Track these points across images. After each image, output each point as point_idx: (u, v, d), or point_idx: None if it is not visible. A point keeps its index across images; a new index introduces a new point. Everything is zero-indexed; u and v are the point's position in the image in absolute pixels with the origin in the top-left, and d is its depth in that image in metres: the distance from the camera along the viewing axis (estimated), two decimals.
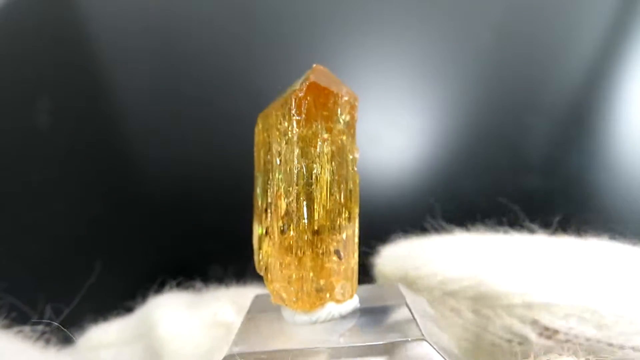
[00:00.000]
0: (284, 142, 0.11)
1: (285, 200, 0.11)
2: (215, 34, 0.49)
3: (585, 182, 0.33)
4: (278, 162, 0.12)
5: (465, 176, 0.33)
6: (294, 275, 0.11)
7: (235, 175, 0.22)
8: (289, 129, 0.11)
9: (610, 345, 0.11)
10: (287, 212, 0.11)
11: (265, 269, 0.12)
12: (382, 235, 0.17)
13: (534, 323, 0.12)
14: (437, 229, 0.16)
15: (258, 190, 0.12)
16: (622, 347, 0.11)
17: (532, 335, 0.12)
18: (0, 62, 0.45)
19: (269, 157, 0.12)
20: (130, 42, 0.48)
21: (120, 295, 0.18)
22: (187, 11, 0.52)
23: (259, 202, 0.12)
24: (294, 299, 0.12)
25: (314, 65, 0.13)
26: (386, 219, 0.28)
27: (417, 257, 0.14)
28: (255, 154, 0.13)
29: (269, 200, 0.12)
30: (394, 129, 0.38)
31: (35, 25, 0.50)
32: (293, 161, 0.11)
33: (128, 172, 0.35)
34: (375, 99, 0.41)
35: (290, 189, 0.11)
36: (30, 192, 0.33)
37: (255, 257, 0.12)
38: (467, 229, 0.15)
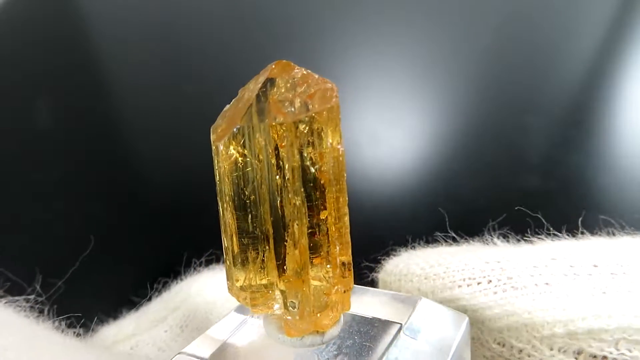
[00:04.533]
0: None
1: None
2: (216, 33, 0.49)
3: (585, 183, 0.33)
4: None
5: (465, 176, 0.33)
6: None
7: None
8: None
9: None
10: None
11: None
12: (383, 243, 0.16)
13: (580, 353, 0.11)
14: (447, 240, 0.15)
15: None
16: None
17: None
18: (0, 62, 0.45)
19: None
20: (130, 42, 0.48)
21: (124, 293, 0.18)
22: (188, 11, 0.52)
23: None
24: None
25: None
26: (388, 224, 0.28)
27: (433, 281, 0.13)
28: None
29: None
30: (394, 129, 0.38)
31: (35, 25, 0.50)
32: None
33: (128, 171, 0.35)
34: (376, 99, 0.41)
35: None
36: (30, 192, 0.33)
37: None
38: (482, 239, 0.14)
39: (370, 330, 0.12)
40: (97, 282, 0.20)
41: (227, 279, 0.11)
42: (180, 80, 0.43)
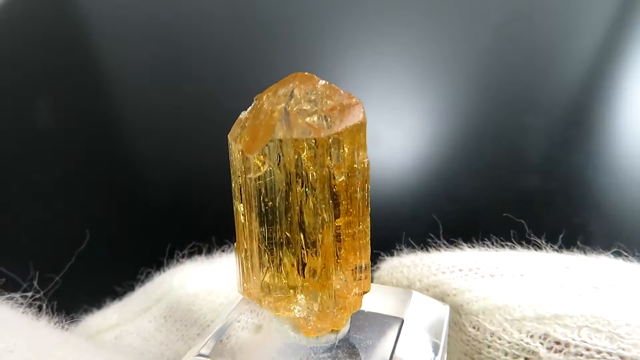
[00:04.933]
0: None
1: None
2: (216, 33, 0.49)
3: (585, 183, 0.33)
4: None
5: (465, 176, 0.33)
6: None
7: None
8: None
9: (623, 358, 0.11)
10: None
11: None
12: (384, 243, 0.17)
13: (545, 337, 0.12)
14: (441, 245, 0.16)
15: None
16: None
17: (543, 350, 0.12)
18: (0, 62, 0.45)
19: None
20: (130, 42, 0.48)
21: (108, 284, 0.18)
22: (188, 11, 0.52)
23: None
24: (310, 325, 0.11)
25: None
26: (388, 224, 0.28)
27: (421, 269, 0.14)
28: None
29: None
30: (394, 129, 0.38)
31: (35, 25, 0.50)
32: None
33: (128, 171, 0.35)
34: (376, 99, 0.41)
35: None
36: (30, 192, 0.33)
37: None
38: (472, 244, 0.15)
39: (375, 326, 0.12)
40: (82, 273, 0.20)
41: (244, 282, 0.12)
42: (180, 80, 0.43)
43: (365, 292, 0.12)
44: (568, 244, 0.16)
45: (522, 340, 0.12)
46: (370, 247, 0.12)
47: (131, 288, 0.18)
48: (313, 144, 0.10)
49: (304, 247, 0.11)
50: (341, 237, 0.11)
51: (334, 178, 0.11)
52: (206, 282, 0.17)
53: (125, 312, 0.16)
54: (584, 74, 0.45)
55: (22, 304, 0.13)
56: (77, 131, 0.38)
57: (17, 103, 0.40)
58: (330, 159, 0.10)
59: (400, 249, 0.16)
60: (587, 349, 0.11)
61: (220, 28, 0.50)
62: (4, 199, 0.32)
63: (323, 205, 0.11)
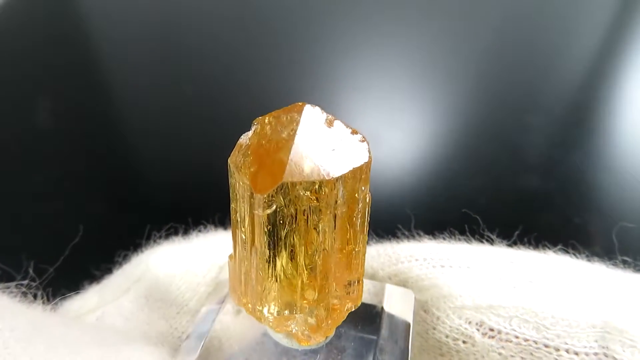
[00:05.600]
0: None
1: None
2: (217, 32, 0.49)
3: (585, 183, 0.33)
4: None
5: (465, 176, 0.33)
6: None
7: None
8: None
9: (547, 346, 0.12)
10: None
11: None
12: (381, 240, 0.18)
13: (481, 324, 0.13)
14: (409, 237, 0.17)
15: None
16: (557, 349, 0.12)
17: (478, 336, 0.13)
18: (0, 61, 0.45)
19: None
20: (130, 41, 0.48)
21: (92, 267, 0.18)
22: (188, 10, 0.52)
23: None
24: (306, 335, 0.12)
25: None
26: (387, 224, 0.28)
27: (383, 259, 0.15)
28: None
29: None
30: (394, 129, 0.38)
31: (35, 25, 0.50)
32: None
33: (128, 171, 0.35)
34: (376, 99, 0.41)
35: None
36: (30, 192, 0.33)
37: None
38: (435, 237, 0.17)
39: (357, 315, 0.13)
40: (63, 258, 0.20)
41: (242, 296, 0.12)
42: (181, 79, 0.43)
43: (356, 306, 0.12)
44: (566, 244, 0.16)
45: (461, 325, 0.14)
46: (362, 264, 0.12)
47: (109, 271, 0.18)
48: (320, 185, 0.11)
49: (304, 271, 0.11)
50: (339, 259, 0.12)
51: (337, 209, 0.11)
52: (183, 261, 0.17)
53: (104, 294, 0.17)
54: (584, 74, 0.45)
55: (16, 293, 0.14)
56: (77, 131, 0.38)
57: (17, 103, 0.40)
58: (336, 196, 0.11)
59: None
60: (516, 337, 0.13)
61: (221, 27, 0.50)
62: (4, 199, 0.32)
63: (326, 236, 0.11)
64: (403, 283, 0.15)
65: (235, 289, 0.13)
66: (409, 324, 0.13)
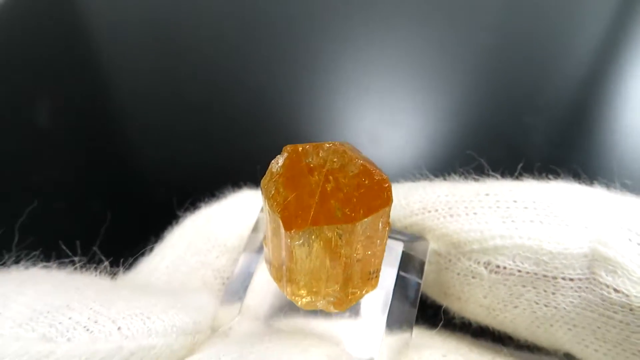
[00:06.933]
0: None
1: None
2: (217, 32, 0.49)
3: (585, 182, 0.33)
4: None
5: (465, 176, 0.33)
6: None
7: (235, 174, 0.22)
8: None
9: (545, 277, 0.15)
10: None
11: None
12: None
13: (488, 264, 0.15)
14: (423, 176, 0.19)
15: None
16: (554, 278, 0.15)
17: (485, 272, 0.15)
18: (0, 61, 0.45)
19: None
20: (130, 41, 0.48)
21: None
22: (188, 10, 0.52)
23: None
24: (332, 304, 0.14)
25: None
26: None
27: (399, 211, 0.17)
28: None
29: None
30: (394, 129, 0.38)
31: (35, 25, 0.50)
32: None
33: (128, 171, 0.36)
34: (376, 99, 0.41)
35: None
36: (30, 192, 0.33)
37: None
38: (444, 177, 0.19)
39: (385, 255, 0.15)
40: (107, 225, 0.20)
41: (275, 275, 0.14)
42: (181, 79, 0.43)
43: (373, 290, 0.14)
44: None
45: (470, 266, 0.16)
46: (381, 258, 0.14)
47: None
48: (344, 227, 0.12)
49: (328, 272, 0.13)
50: (361, 262, 0.13)
51: (359, 242, 0.12)
52: (217, 209, 0.18)
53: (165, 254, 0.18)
54: (584, 74, 0.45)
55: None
56: (77, 131, 0.38)
57: (17, 103, 0.40)
58: (358, 234, 0.12)
59: None
60: (519, 271, 0.15)
61: (222, 27, 0.50)
62: (4, 199, 0.32)
63: (349, 255, 0.13)
64: (418, 233, 0.17)
65: (270, 264, 0.14)
66: (424, 262, 0.16)
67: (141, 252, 0.18)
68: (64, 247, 0.16)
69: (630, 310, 0.13)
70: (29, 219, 0.21)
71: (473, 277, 0.16)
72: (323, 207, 0.12)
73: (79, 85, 0.43)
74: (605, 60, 0.46)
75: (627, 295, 0.13)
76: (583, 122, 0.39)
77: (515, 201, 0.15)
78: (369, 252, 0.13)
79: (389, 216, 0.13)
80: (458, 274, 0.16)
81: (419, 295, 0.15)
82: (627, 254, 0.14)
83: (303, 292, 0.13)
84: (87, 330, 0.12)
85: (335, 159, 0.12)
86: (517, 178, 0.18)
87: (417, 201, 0.17)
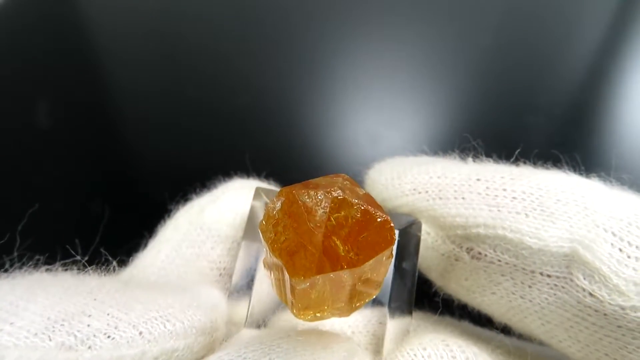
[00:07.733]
0: None
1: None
2: (216, 33, 0.49)
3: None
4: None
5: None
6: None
7: (235, 174, 0.22)
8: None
9: (524, 270, 0.15)
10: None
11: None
12: None
13: (470, 249, 0.16)
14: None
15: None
16: (532, 272, 0.15)
17: (467, 257, 0.16)
18: (0, 62, 0.45)
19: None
20: (130, 41, 0.48)
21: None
22: (188, 10, 0.52)
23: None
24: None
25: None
26: None
27: (391, 190, 0.17)
28: None
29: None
30: (394, 129, 0.38)
31: (35, 25, 0.50)
32: None
33: (128, 171, 0.36)
34: (376, 99, 0.41)
35: None
36: (30, 192, 0.33)
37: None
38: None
39: None
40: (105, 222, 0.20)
41: (292, 309, 0.14)
42: (181, 79, 0.43)
43: (377, 292, 0.14)
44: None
45: (454, 249, 0.16)
46: (387, 272, 0.14)
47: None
48: (347, 271, 0.12)
49: (333, 302, 0.13)
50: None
51: (362, 278, 0.13)
52: (209, 198, 0.18)
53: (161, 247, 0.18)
54: (584, 74, 0.45)
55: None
56: (77, 131, 0.38)
57: (17, 103, 0.40)
58: (361, 272, 0.12)
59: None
60: (498, 260, 0.15)
61: (221, 27, 0.50)
62: (4, 199, 0.32)
63: (354, 287, 0.13)
64: (409, 213, 0.17)
65: (271, 275, 0.14)
66: (419, 247, 0.16)
67: (135, 247, 0.18)
68: (68, 247, 0.16)
69: (604, 315, 0.13)
70: (27, 219, 0.21)
71: (456, 260, 0.16)
72: (327, 252, 0.12)
73: (79, 85, 0.43)
74: (605, 60, 0.46)
75: (601, 301, 0.13)
76: (583, 122, 0.39)
77: (504, 190, 0.16)
78: (374, 274, 0.13)
79: (392, 249, 0.13)
80: (442, 254, 0.17)
81: (416, 282, 0.16)
82: (606, 260, 0.13)
83: (309, 313, 0.13)
84: (108, 337, 0.12)
85: (334, 204, 0.12)
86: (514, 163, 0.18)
87: (409, 182, 0.17)
